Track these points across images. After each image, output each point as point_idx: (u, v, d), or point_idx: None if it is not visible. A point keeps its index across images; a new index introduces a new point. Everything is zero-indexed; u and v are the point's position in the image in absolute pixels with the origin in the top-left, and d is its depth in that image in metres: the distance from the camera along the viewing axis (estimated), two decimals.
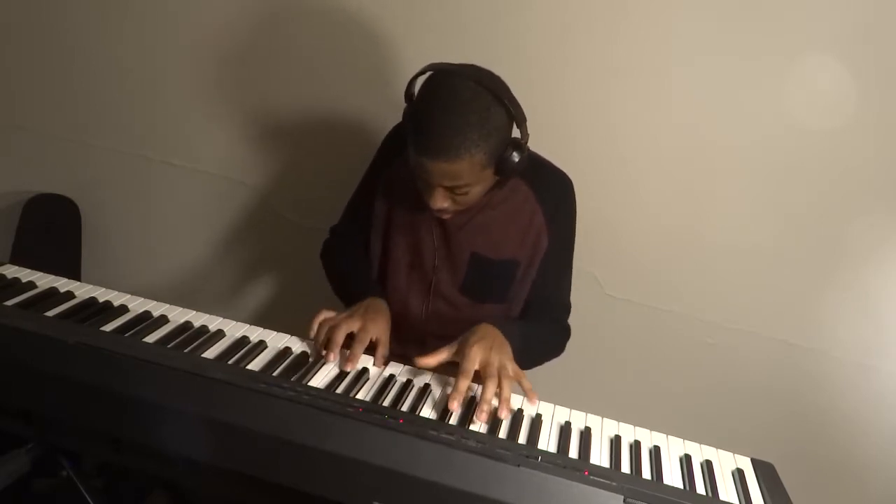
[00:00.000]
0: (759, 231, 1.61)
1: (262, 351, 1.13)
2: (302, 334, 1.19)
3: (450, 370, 1.11)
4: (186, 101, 1.82)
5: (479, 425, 1.03)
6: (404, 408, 1.04)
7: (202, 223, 1.95)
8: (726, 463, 1.07)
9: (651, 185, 1.63)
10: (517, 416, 1.07)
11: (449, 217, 1.24)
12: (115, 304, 1.17)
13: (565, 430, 1.06)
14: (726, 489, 1.01)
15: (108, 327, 1.09)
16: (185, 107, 1.83)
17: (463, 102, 1.08)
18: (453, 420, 1.03)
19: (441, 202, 1.16)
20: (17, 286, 1.16)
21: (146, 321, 1.13)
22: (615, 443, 1.06)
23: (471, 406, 1.07)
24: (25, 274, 1.21)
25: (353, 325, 1.15)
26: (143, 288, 1.26)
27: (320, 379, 1.08)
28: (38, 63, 1.89)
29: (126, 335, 1.07)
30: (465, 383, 1.04)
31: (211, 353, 1.08)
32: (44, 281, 1.20)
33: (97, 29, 1.81)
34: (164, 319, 1.15)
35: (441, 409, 1.06)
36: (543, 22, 1.55)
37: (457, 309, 1.35)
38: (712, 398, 1.77)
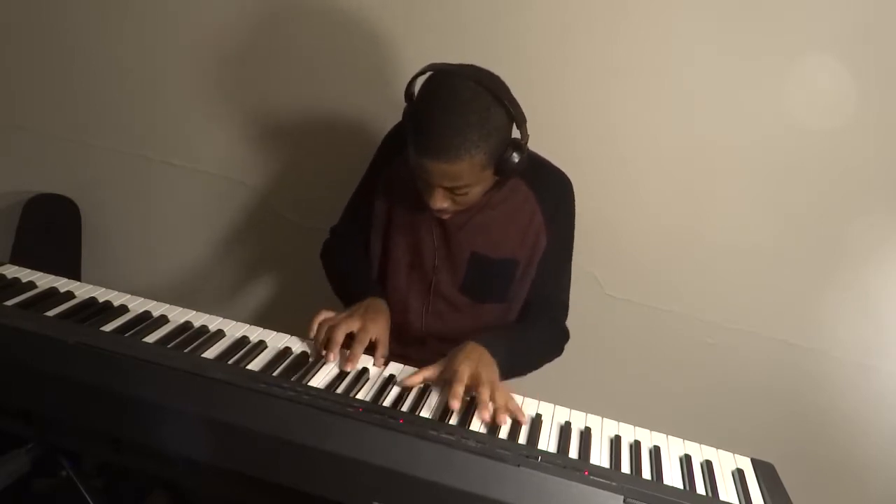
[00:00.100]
0: (759, 231, 1.61)
1: (262, 351, 1.13)
2: (302, 334, 1.19)
3: (443, 385, 1.12)
4: (186, 101, 1.82)
5: (479, 425, 1.03)
6: (404, 408, 1.04)
7: (202, 223, 1.95)
8: (726, 463, 1.07)
9: (651, 185, 1.63)
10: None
11: (448, 217, 1.24)
12: (115, 304, 1.17)
13: (565, 430, 1.06)
14: (726, 489, 1.01)
15: (108, 327, 1.09)
16: (185, 107, 1.83)
17: (463, 103, 1.08)
18: (453, 420, 1.03)
19: (441, 202, 1.16)
20: (17, 286, 1.16)
21: (146, 321, 1.13)
22: (615, 443, 1.06)
23: (471, 406, 1.07)
24: (25, 274, 1.21)
25: (353, 325, 1.15)
26: (143, 288, 1.26)
27: (320, 379, 1.08)
28: (38, 63, 1.89)
29: (126, 335, 1.07)
30: (460, 387, 1.04)
31: (211, 353, 1.08)
32: (44, 281, 1.20)
33: (97, 29, 1.81)
34: (164, 319, 1.15)
35: (441, 410, 1.06)
36: (543, 22, 1.55)
37: (457, 308, 1.35)
38: (712, 398, 1.77)
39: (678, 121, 1.56)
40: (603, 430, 1.09)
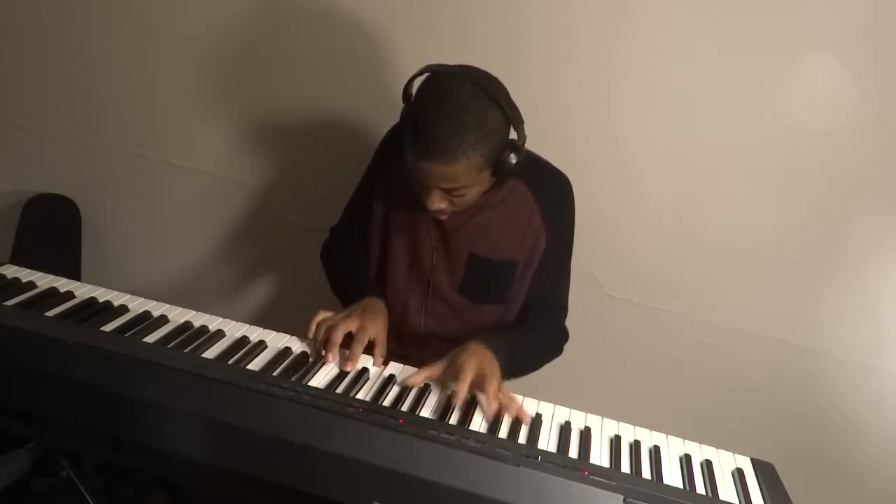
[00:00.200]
0: (759, 231, 1.61)
1: (262, 351, 1.13)
2: (302, 334, 1.19)
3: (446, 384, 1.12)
4: (186, 101, 1.82)
5: (479, 425, 1.03)
6: (404, 408, 1.04)
7: (202, 223, 1.95)
8: (726, 463, 1.07)
9: (651, 185, 1.63)
10: (517, 418, 1.07)
11: (446, 218, 1.24)
12: (115, 304, 1.17)
13: (565, 429, 1.06)
14: (726, 489, 1.01)
15: (108, 327, 1.09)
16: (185, 107, 1.83)
17: (460, 104, 1.08)
18: (453, 420, 1.03)
19: (438, 204, 1.16)
20: (17, 286, 1.16)
21: (146, 321, 1.13)
22: (615, 443, 1.06)
23: (471, 406, 1.07)
24: (25, 274, 1.21)
25: (352, 325, 1.15)
26: (143, 288, 1.26)
27: (320, 379, 1.08)
28: (38, 63, 1.89)
29: (126, 335, 1.07)
30: (464, 386, 1.04)
31: (211, 353, 1.08)
32: (44, 281, 1.20)
33: (97, 29, 1.81)
34: (164, 319, 1.15)
35: (441, 409, 1.06)
36: (543, 22, 1.55)
37: (455, 309, 1.35)
38: (712, 398, 1.77)
39: (678, 121, 1.56)
40: (603, 429, 1.09)
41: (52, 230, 1.96)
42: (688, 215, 1.64)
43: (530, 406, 1.11)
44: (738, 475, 1.04)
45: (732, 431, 1.68)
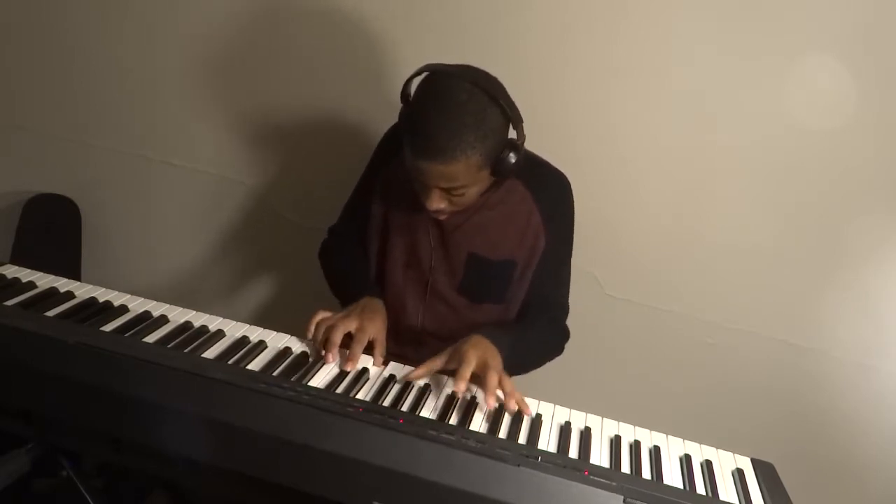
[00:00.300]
0: (759, 231, 1.61)
1: (262, 351, 1.13)
2: (302, 334, 1.19)
3: (449, 376, 1.12)
4: (186, 101, 1.82)
5: (479, 425, 1.03)
6: (404, 408, 1.04)
7: (202, 223, 1.95)
8: (726, 463, 1.07)
9: (651, 185, 1.63)
10: (517, 415, 1.07)
11: (445, 218, 1.24)
12: (115, 304, 1.17)
13: (565, 430, 1.06)
14: (726, 489, 1.01)
15: (108, 327, 1.09)
16: (185, 107, 1.83)
17: (459, 104, 1.08)
18: (453, 420, 1.03)
19: (437, 203, 1.16)
20: (17, 286, 1.16)
21: (146, 321, 1.13)
22: (615, 443, 1.06)
23: (471, 406, 1.07)
24: (25, 274, 1.21)
25: (351, 325, 1.15)
26: (143, 288, 1.26)
27: (320, 379, 1.08)
28: (38, 63, 1.89)
29: (126, 335, 1.07)
30: (468, 370, 1.05)
31: (211, 353, 1.08)
32: (44, 281, 1.20)
33: (97, 29, 1.81)
34: (164, 319, 1.15)
35: (441, 409, 1.06)
36: (543, 22, 1.55)
37: (454, 309, 1.35)
38: (712, 398, 1.77)
39: (678, 121, 1.56)
40: (603, 430, 1.09)
41: (52, 230, 1.96)
42: (688, 215, 1.64)
43: (530, 406, 1.11)
44: (738, 475, 1.04)
45: (732, 431, 1.68)
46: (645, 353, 1.77)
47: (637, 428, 1.11)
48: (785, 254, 1.62)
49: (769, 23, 1.45)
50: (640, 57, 1.53)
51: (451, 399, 1.07)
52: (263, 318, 1.81)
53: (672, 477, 1.01)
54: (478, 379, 1.08)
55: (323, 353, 1.13)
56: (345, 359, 1.12)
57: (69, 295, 1.16)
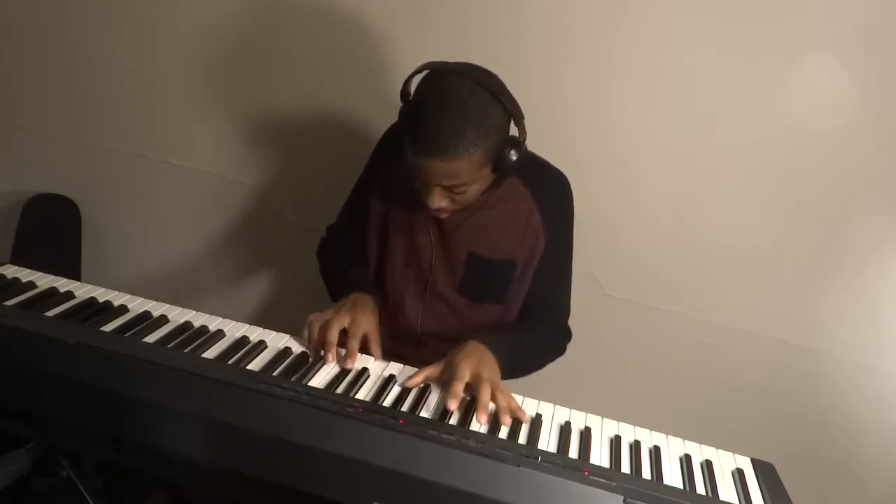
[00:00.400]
0: (759, 231, 1.61)
1: (262, 351, 1.13)
2: (302, 334, 1.19)
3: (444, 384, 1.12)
4: (186, 101, 1.82)
5: (479, 425, 1.03)
6: (404, 408, 1.04)
7: (202, 223, 1.95)
8: (726, 463, 1.07)
9: (651, 185, 1.63)
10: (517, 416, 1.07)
11: (446, 216, 1.24)
12: (115, 304, 1.17)
13: (565, 430, 1.06)
14: (726, 489, 1.01)
15: (108, 327, 1.09)
16: (185, 107, 1.83)
17: (461, 101, 1.07)
18: (453, 420, 1.03)
19: (439, 201, 1.16)
20: (17, 286, 1.16)
21: (146, 321, 1.13)
22: (615, 443, 1.06)
23: (471, 406, 1.07)
24: (25, 274, 1.21)
25: (344, 320, 1.15)
26: (143, 288, 1.26)
27: (320, 379, 1.08)
28: (38, 63, 1.89)
29: (126, 335, 1.07)
30: (459, 385, 1.04)
31: (211, 353, 1.08)
32: (44, 281, 1.20)
33: (97, 29, 1.81)
34: (164, 319, 1.15)
35: (441, 410, 1.05)
36: (543, 22, 1.55)
37: (454, 309, 1.35)
38: (712, 398, 1.77)
39: (678, 121, 1.56)
40: (603, 430, 1.09)
41: (52, 230, 1.96)
42: (688, 215, 1.64)
43: (530, 406, 1.11)
44: (738, 475, 1.04)
45: (732, 431, 1.68)
46: (645, 353, 1.77)
47: (637, 428, 1.11)
48: (785, 254, 1.62)
49: (769, 23, 1.45)
50: (640, 57, 1.53)
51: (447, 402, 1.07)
52: (263, 318, 1.81)
53: (672, 477, 1.01)
54: (472, 389, 1.08)
55: (322, 353, 1.13)
56: (343, 357, 1.12)
57: (69, 295, 1.16)
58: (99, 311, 1.14)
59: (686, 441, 1.10)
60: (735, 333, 1.70)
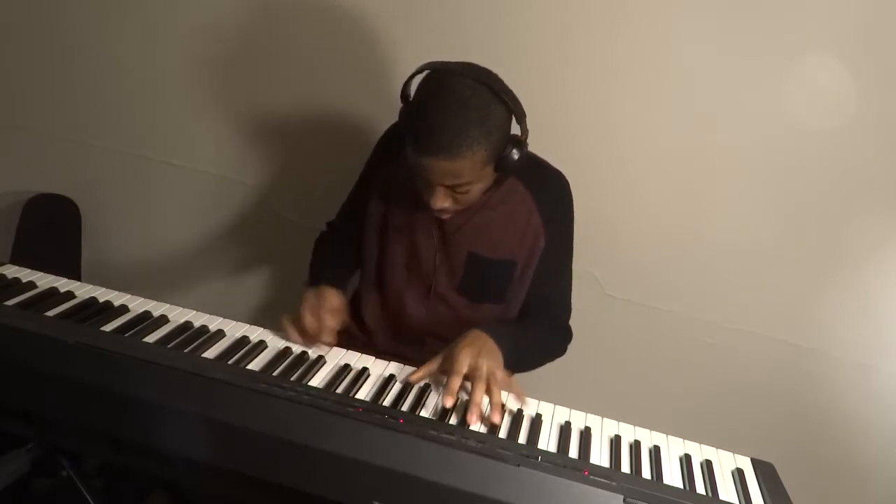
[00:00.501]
0: (759, 231, 1.61)
1: (262, 351, 1.13)
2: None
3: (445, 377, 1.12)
4: (186, 101, 1.82)
5: (478, 425, 1.03)
6: (404, 408, 1.04)
7: (202, 223, 1.95)
8: (726, 463, 1.07)
9: (651, 185, 1.63)
10: (517, 416, 1.07)
11: (449, 217, 1.24)
12: (115, 304, 1.17)
13: (565, 430, 1.06)
14: (726, 489, 1.01)
15: (108, 327, 1.09)
16: (185, 107, 1.83)
17: (463, 100, 1.07)
18: (453, 420, 1.03)
19: (442, 202, 1.16)
20: (17, 286, 1.16)
21: (146, 321, 1.13)
22: (615, 443, 1.06)
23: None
24: (25, 274, 1.21)
25: (312, 307, 1.17)
26: (144, 288, 1.26)
27: (320, 379, 1.08)
28: (38, 63, 1.89)
29: (126, 335, 1.07)
30: (456, 381, 1.04)
31: (211, 353, 1.08)
32: (44, 281, 1.20)
33: (97, 29, 1.81)
34: (164, 319, 1.15)
35: (441, 410, 1.05)
36: (543, 22, 1.55)
37: (454, 309, 1.35)
38: (712, 398, 1.77)
39: (678, 121, 1.56)
40: (603, 430, 1.09)
41: (52, 230, 1.96)
42: (688, 215, 1.64)
43: (530, 406, 1.11)
44: (738, 475, 1.04)
45: (732, 431, 1.67)
46: (645, 353, 1.77)
47: (637, 428, 1.11)
48: (785, 254, 1.62)
49: (769, 23, 1.45)
50: (640, 57, 1.53)
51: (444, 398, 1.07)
52: (263, 318, 1.81)
53: (672, 477, 1.01)
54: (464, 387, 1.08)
55: (311, 343, 1.15)
56: (318, 338, 1.15)
57: (69, 295, 1.16)
58: (99, 311, 1.14)
59: (686, 441, 1.10)
60: (735, 333, 1.70)
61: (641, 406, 1.60)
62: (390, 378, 1.12)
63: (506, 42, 1.57)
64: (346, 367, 1.13)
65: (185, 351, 1.07)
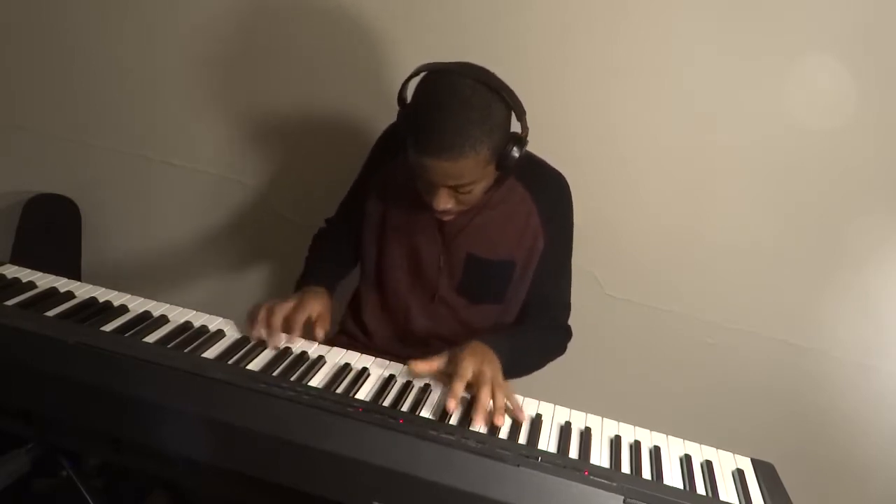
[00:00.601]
0: (759, 231, 1.61)
1: (261, 351, 1.13)
2: (302, 335, 1.19)
3: (446, 380, 1.12)
4: (186, 101, 1.82)
5: (479, 425, 1.03)
6: (404, 408, 1.04)
7: (202, 223, 1.95)
8: (726, 463, 1.07)
9: (651, 185, 1.63)
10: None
11: (451, 218, 1.24)
12: (115, 304, 1.17)
13: (565, 430, 1.06)
14: (726, 489, 1.01)
15: (108, 327, 1.09)
16: (185, 107, 1.83)
17: (463, 100, 1.07)
18: (453, 420, 1.03)
19: (445, 203, 1.16)
20: (17, 286, 1.16)
21: (146, 321, 1.13)
22: (615, 443, 1.06)
23: (471, 406, 1.07)
24: (25, 274, 1.21)
25: (287, 307, 1.15)
26: (143, 288, 1.26)
27: (320, 379, 1.08)
28: (38, 63, 1.88)
29: (126, 335, 1.07)
30: (460, 385, 1.04)
31: (211, 353, 1.08)
32: (44, 281, 1.20)
33: (97, 29, 1.81)
34: (164, 319, 1.15)
35: (441, 410, 1.06)
36: (543, 22, 1.55)
37: (454, 310, 1.35)
38: (712, 398, 1.77)
39: (678, 121, 1.56)
40: (603, 430, 1.09)
41: (52, 230, 1.96)
42: (688, 215, 1.64)
43: (530, 406, 1.11)
44: (739, 475, 1.04)
45: (732, 431, 1.67)
46: (645, 353, 1.77)
47: (637, 428, 1.11)
48: (785, 254, 1.62)
49: (769, 23, 1.45)
50: (640, 57, 1.53)
51: (447, 403, 1.07)
52: None
53: (672, 477, 1.01)
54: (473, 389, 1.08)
55: (259, 332, 1.13)
56: (277, 331, 1.13)
57: (69, 295, 1.16)
58: (99, 311, 1.14)
59: (686, 441, 1.10)
60: (735, 333, 1.70)
61: (641, 406, 1.60)
62: (390, 378, 1.12)
63: (506, 42, 1.57)
64: (346, 367, 1.13)
65: (185, 351, 1.07)
